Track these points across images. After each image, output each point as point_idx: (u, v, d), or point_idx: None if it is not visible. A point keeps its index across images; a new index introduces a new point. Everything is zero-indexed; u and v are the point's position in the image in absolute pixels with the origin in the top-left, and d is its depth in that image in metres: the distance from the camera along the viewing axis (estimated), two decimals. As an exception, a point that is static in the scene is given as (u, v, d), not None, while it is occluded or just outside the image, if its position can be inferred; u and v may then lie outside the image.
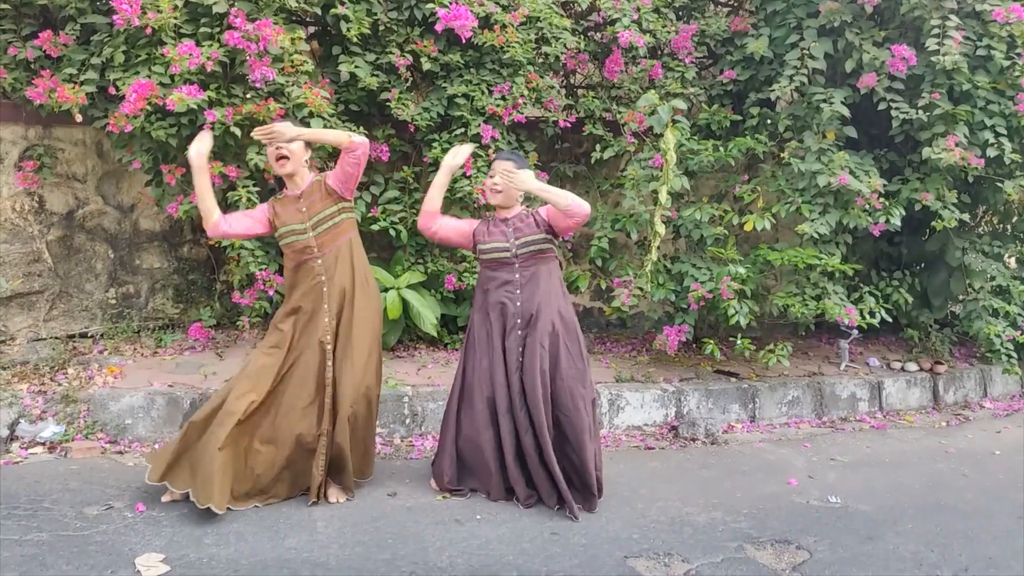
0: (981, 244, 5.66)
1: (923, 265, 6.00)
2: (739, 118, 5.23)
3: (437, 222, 3.59)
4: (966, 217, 5.05)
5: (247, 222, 3.48)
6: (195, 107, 3.80)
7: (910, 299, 5.61)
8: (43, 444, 3.88)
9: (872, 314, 5.11)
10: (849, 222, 4.84)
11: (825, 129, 4.88)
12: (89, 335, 4.99)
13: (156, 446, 4.00)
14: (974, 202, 5.58)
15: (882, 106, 4.80)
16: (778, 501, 3.81)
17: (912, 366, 5.81)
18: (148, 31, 3.75)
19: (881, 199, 4.80)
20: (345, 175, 3.38)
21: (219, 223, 3.40)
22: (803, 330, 5.88)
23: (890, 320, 5.28)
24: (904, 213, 4.95)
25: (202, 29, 3.97)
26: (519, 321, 3.48)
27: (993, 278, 5.52)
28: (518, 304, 3.48)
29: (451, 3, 4.27)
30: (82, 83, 3.98)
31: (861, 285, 5.37)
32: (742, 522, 3.53)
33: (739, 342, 4.95)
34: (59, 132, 4.75)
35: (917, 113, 4.68)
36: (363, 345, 3.41)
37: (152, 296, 5.27)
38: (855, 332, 5.61)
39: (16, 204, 4.68)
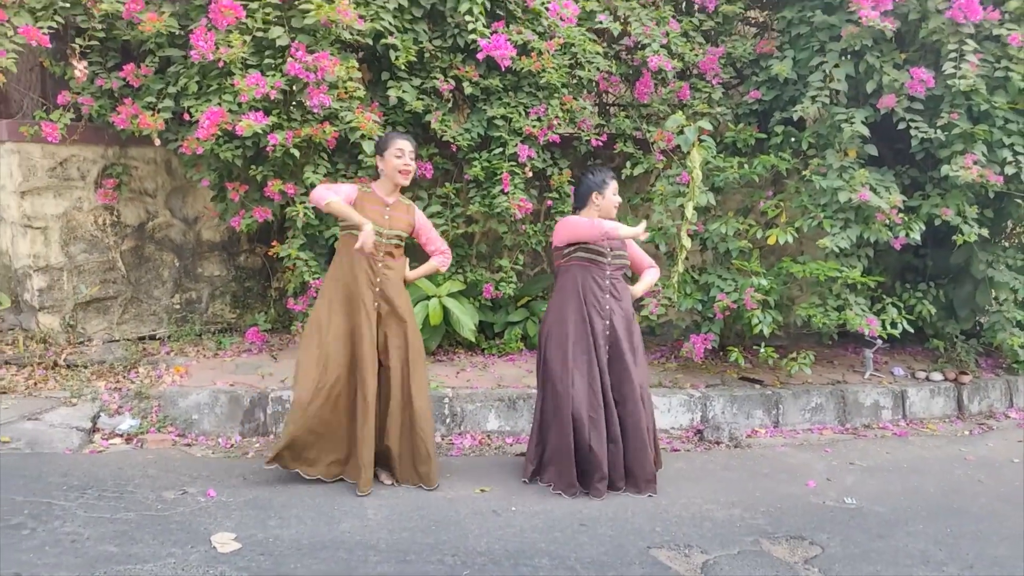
0: (1006, 257, 5.79)
1: (948, 277, 6.14)
2: (764, 136, 5.47)
3: None
4: (985, 232, 5.21)
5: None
6: (260, 131, 4.19)
7: (934, 310, 5.76)
8: (121, 436, 4.30)
9: (894, 324, 5.30)
10: (870, 236, 5.05)
11: (847, 147, 5.10)
12: (156, 337, 5.43)
13: (220, 439, 4.39)
14: (998, 217, 5.72)
15: (901, 126, 5.00)
16: (795, 501, 4.05)
17: (937, 376, 5.95)
18: (220, 64, 4.15)
19: (901, 214, 5.00)
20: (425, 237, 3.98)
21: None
22: (828, 340, 6.07)
23: (913, 331, 5.45)
24: (924, 228, 5.13)
25: (266, 60, 4.37)
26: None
27: (1016, 290, 5.65)
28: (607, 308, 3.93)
29: (492, 33, 4.60)
30: (160, 110, 4.40)
31: (884, 296, 5.55)
32: (759, 519, 3.78)
33: (763, 350, 5.18)
34: (133, 152, 5.20)
35: (936, 132, 4.88)
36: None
37: (212, 302, 5.69)
38: (879, 342, 5.78)
39: (95, 217, 5.13)
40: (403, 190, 3.94)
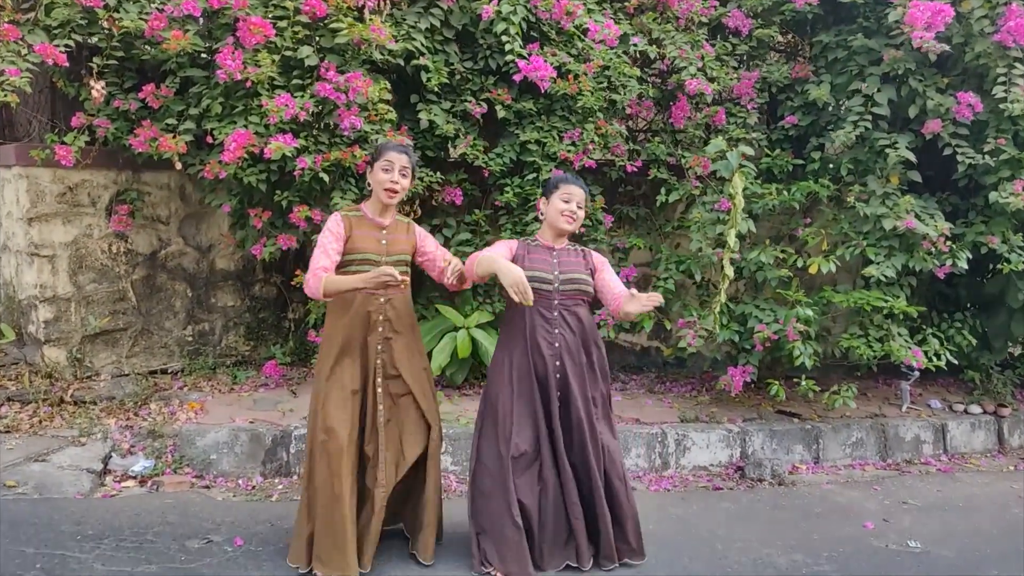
0: (1043, 286, 5.64)
1: (980, 306, 5.98)
2: (800, 162, 5.31)
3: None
4: (1032, 260, 5.04)
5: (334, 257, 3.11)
6: (288, 154, 3.98)
7: (973, 341, 5.59)
8: (134, 478, 4.01)
9: (938, 356, 5.11)
10: (915, 265, 4.87)
11: (889, 173, 4.95)
12: (168, 371, 5.16)
13: (240, 481, 4.11)
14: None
15: (947, 151, 4.85)
16: (857, 544, 3.81)
17: (975, 408, 5.76)
18: (248, 84, 3.95)
19: (948, 242, 4.83)
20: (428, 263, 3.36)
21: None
22: (862, 371, 5.87)
23: (953, 362, 5.27)
24: (970, 256, 4.97)
25: (294, 81, 4.17)
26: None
27: (1053, 320, 5.49)
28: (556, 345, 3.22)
29: (530, 55, 4.43)
30: (181, 132, 4.18)
31: (923, 327, 5.37)
32: (824, 565, 3.55)
33: (803, 383, 4.97)
34: (146, 177, 4.98)
35: (983, 158, 4.73)
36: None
37: (225, 333, 5.43)
38: (916, 373, 5.59)
39: (105, 245, 4.89)
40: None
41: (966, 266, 4.92)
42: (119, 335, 5.01)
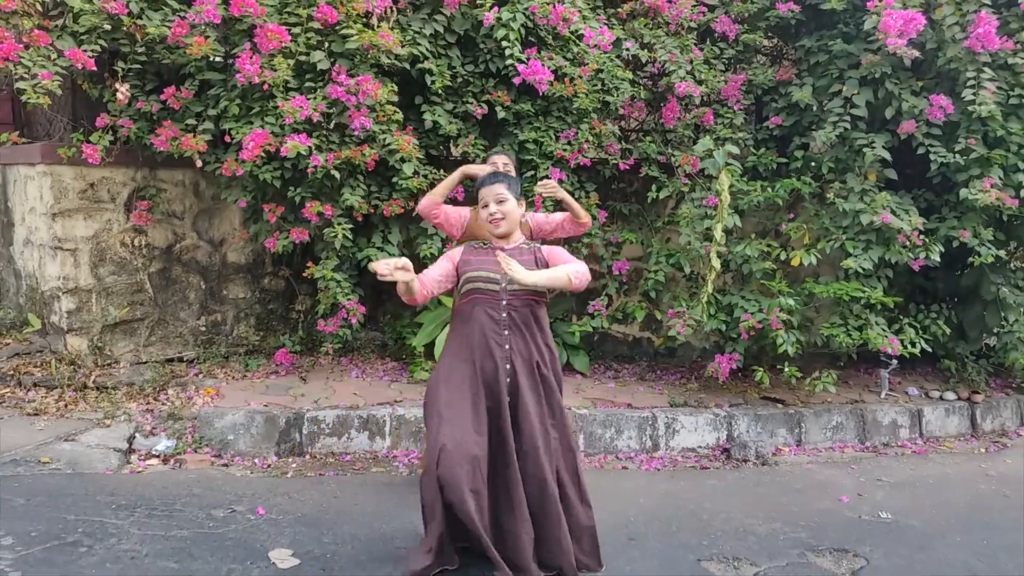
0: (1015, 278, 5.94)
1: (957, 298, 6.28)
2: (784, 161, 5.60)
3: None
4: (1002, 254, 5.35)
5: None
6: (303, 152, 4.24)
7: (948, 331, 5.89)
8: (157, 456, 4.27)
9: (913, 344, 5.40)
10: (890, 257, 5.17)
11: (867, 171, 5.24)
12: (183, 359, 5.42)
13: (256, 460, 4.38)
14: (1007, 239, 5.88)
15: (920, 150, 5.15)
16: (833, 515, 4.11)
17: (950, 395, 6.06)
18: (265, 87, 4.22)
19: (921, 236, 5.13)
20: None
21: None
22: (842, 360, 6.16)
23: (928, 351, 5.56)
24: (943, 250, 5.27)
25: (307, 84, 4.44)
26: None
27: (1024, 310, 5.80)
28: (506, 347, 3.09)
29: (528, 59, 4.71)
30: (201, 132, 4.45)
31: (900, 317, 5.67)
32: (801, 532, 3.84)
33: (786, 370, 5.26)
34: (163, 174, 5.23)
35: (954, 157, 5.03)
36: None
37: (237, 324, 5.69)
38: (894, 362, 5.88)
39: (124, 239, 5.14)
40: None
41: (938, 259, 5.21)
42: (137, 325, 5.26)
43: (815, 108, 5.48)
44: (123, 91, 4.32)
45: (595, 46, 4.77)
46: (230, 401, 4.74)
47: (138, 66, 4.43)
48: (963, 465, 5.19)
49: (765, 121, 5.71)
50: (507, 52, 4.64)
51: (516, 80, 4.67)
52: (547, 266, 3.09)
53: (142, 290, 5.26)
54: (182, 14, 4.26)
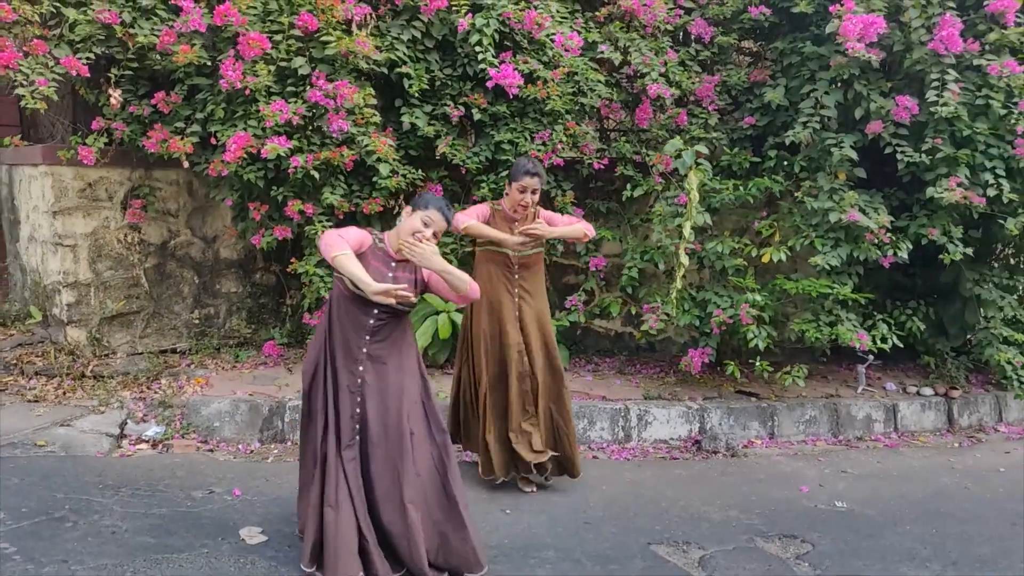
0: (993, 276, 6.03)
1: (937, 295, 6.38)
2: (758, 160, 5.74)
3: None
4: (971, 251, 5.45)
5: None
6: (283, 154, 4.46)
7: (923, 327, 5.99)
8: (147, 441, 4.52)
9: (884, 340, 5.52)
10: (859, 255, 5.29)
11: (837, 170, 5.37)
12: (177, 351, 5.67)
13: (240, 446, 4.61)
14: (986, 237, 5.97)
15: (888, 150, 5.27)
16: (789, 504, 4.26)
17: (928, 391, 6.16)
18: (247, 92, 4.44)
19: (889, 234, 5.25)
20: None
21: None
22: (820, 355, 6.29)
23: (904, 347, 5.67)
24: (911, 247, 5.38)
25: (288, 88, 4.66)
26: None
27: (1003, 308, 5.88)
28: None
29: (500, 63, 4.89)
30: (188, 135, 4.69)
31: (875, 313, 5.79)
32: (754, 519, 4.00)
33: (758, 364, 5.40)
34: (157, 174, 5.48)
35: (921, 157, 5.14)
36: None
37: (229, 317, 5.93)
38: (871, 357, 6.00)
39: (121, 236, 5.40)
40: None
41: (906, 256, 5.33)
42: (133, 317, 5.52)
43: (788, 109, 5.61)
44: (116, 96, 4.56)
45: (565, 50, 4.94)
46: (218, 390, 4.97)
47: (130, 72, 4.66)
48: (932, 459, 5.31)
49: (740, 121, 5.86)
50: (479, 57, 4.82)
51: (489, 84, 4.85)
52: (427, 283, 3.21)
53: (138, 284, 5.51)
54: (170, 23, 4.49)
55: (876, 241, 5.26)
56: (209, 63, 4.64)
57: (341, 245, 2.92)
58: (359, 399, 3.06)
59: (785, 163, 5.69)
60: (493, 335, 4.05)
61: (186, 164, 4.72)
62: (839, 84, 5.40)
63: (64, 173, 5.17)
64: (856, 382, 6.20)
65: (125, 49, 4.58)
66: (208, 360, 5.55)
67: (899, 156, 5.21)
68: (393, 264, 3.15)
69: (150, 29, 4.51)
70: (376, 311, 3.05)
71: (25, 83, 4.29)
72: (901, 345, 5.67)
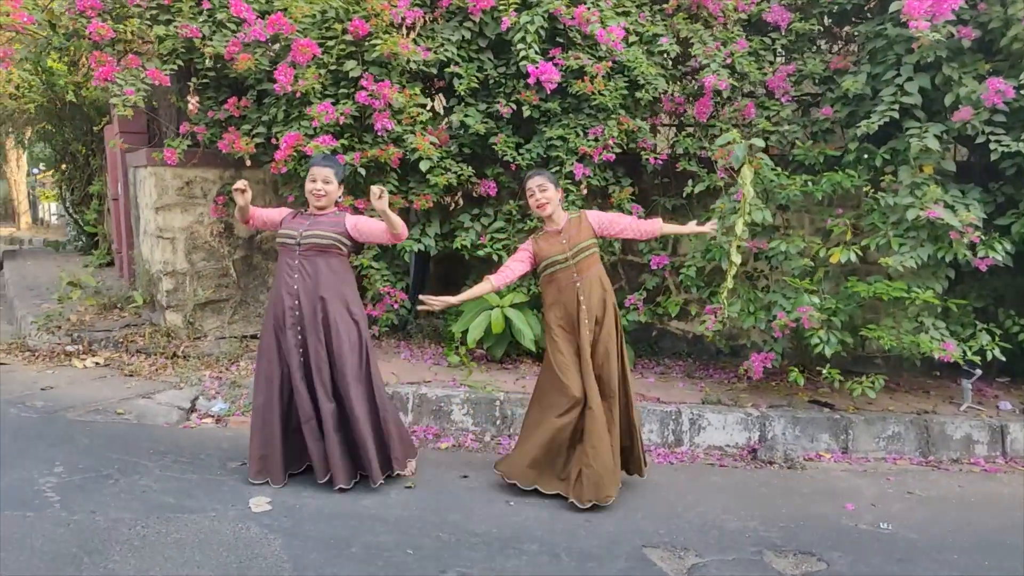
0: None
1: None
2: (837, 154, 5.34)
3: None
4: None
5: (518, 268, 3.96)
6: (329, 152, 4.75)
7: (1035, 339, 5.30)
8: (212, 416, 4.96)
9: (982, 352, 4.96)
10: (945, 256, 4.78)
11: (921, 163, 4.89)
12: (258, 337, 6.14)
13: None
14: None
15: (980, 139, 4.72)
16: (823, 521, 3.94)
17: (1051, 412, 5.45)
18: (299, 95, 4.77)
19: (978, 232, 4.70)
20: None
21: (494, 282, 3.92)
22: (908, 366, 5.72)
23: (1002, 359, 5.05)
24: (1012, 248, 4.79)
25: (341, 90, 4.94)
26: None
27: None
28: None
29: (549, 59, 4.91)
30: (253, 136, 5.11)
31: (977, 322, 5.20)
32: (773, 532, 3.75)
33: (826, 372, 5.03)
34: (246, 174, 5.95)
35: (1019, 146, 4.57)
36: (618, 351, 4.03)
37: (313, 307, 6.35)
38: (978, 371, 5.40)
39: (213, 230, 5.96)
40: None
41: (1000, 257, 4.75)
42: (223, 304, 6.07)
43: (872, 98, 5.18)
44: (193, 102, 5.06)
45: (615, 43, 4.86)
46: (283, 374, 5.35)
47: (207, 80, 5.15)
48: (1027, 488, 4.69)
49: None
50: (521, 53, 4.86)
51: (531, 80, 4.88)
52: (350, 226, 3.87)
53: (227, 275, 6.05)
54: (237, 35, 4.92)
55: (965, 240, 4.73)
56: (270, 69, 5.03)
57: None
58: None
59: (866, 156, 5.25)
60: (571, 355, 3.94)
61: (249, 163, 5.14)
62: (926, 68, 4.90)
63: (165, 173, 5.79)
64: (962, 398, 5.59)
65: (204, 59, 5.07)
66: (286, 346, 5.98)
67: (992, 146, 4.65)
68: (312, 219, 3.85)
69: (219, 41, 4.96)
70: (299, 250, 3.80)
71: (118, 93, 4.87)
72: (1003, 359, 5.05)
